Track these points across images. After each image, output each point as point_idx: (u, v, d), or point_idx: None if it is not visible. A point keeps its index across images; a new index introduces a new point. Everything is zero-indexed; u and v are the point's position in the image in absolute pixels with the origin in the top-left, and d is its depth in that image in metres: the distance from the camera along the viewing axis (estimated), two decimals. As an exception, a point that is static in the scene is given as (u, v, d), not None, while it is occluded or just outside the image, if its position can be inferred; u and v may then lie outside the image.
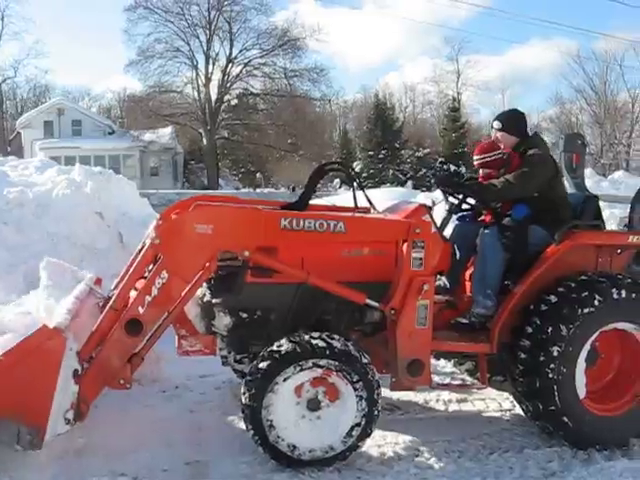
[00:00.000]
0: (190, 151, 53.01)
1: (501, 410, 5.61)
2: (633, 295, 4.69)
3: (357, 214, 5.20)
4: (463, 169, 45.62)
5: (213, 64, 49.84)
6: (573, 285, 4.70)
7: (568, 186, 5.67)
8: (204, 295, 4.78)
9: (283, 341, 4.30)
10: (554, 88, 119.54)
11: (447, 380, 6.03)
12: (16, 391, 3.77)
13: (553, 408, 4.58)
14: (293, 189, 42.59)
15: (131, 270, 4.49)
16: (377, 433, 4.73)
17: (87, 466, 4.35)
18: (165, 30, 47.86)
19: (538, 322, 4.64)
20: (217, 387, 6.00)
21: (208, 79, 49.50)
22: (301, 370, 4.26)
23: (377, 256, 4.71)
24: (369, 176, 47.96)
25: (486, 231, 5.09)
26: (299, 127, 49.57)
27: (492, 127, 5.57)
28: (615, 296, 4.64)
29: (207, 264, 4.33)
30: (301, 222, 4.47)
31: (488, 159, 5.39)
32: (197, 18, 47.93)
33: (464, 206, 5.34)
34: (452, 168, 5.33)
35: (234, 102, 51.08)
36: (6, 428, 3.81)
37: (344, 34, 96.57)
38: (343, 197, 17.97)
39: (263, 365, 4.25)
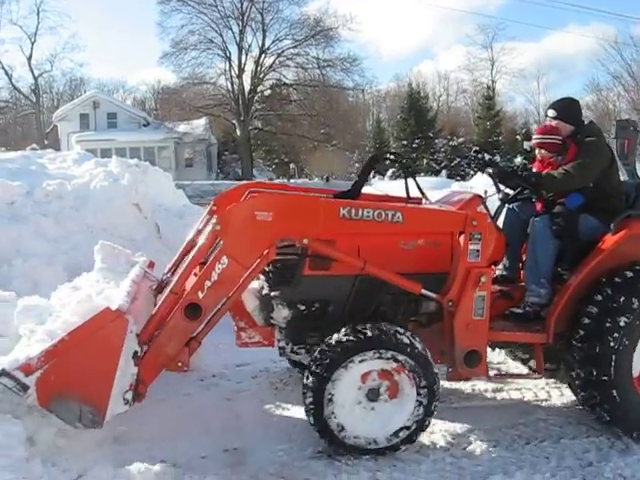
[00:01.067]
0: (224, 142, 53.31)
1: (537, 400, 5.58)
2: None
3: (411, 204, 5.22)
4: (498, 157, 45.39)
5: (246, 55, 49.98)
6: (630, 275, 4.69)
7: (620, 174, 5.55)
8: (262, 288, 4.88)
9: (368, 326, 4.39)
10: (591, 75, 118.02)
11: (495, 370, 5.85)
12: (79, 371, 3.90)
13: (606, 379, 4.57)
14: (327, 179, 42.65)
15: (190, 255, 4.52)
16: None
17: (126, 453, 4.43)
18: (198, 22, 48.05)
19: (595, 312, 4.64)
20: (254, 376, 6.07)
21: (241, 70, 49.63)
22: (379, 358, 4.35)
23: (433, 247, 4.73)
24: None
25: (537, 219, 5.11)
26: (332, 117, 49.45)
27: (546, 115, 5.58)
28: None
29: (266, 251, 4.35)
30: (360, 211, 4.47)
31: (547, 141, 5.36)
32: (230, 9, 48.05)
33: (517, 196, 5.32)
34: (487, 157, 5.37)
35: (267, 93, 51.20)
36: (68, 407, 3.91)
37: (377, 22, 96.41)
38: (391, 185, 17.89)
39: (345, 340, 4.33)
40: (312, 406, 4.36)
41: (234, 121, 49.74)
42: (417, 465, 4.37)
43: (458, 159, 48.91)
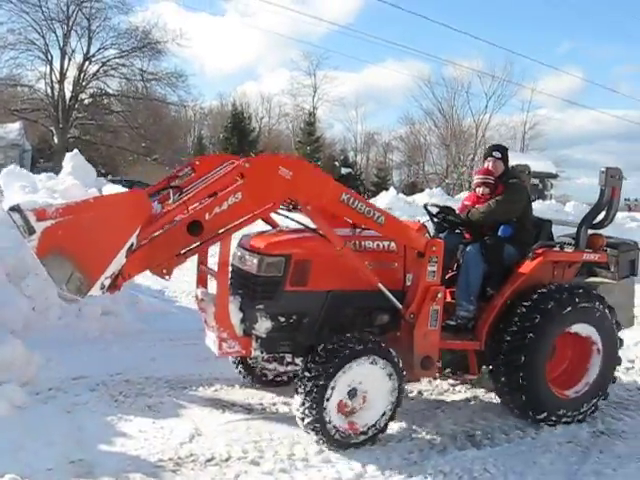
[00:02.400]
0: (39, 149, 50.77)
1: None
2: (588, 303, 5.84)
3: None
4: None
5: (69, 60, 48.05)
6: (535, 297, 5.75)
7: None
8: (244, 302, 5.23)
9: (363, 336, 5.20)
10: (405, 109, 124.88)
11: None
12: (88, 237, 4.02)
13: (525, 383, 5.63)
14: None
15: (211, 181, 4.82)
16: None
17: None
18: (20, 21, 45.28)
19: (513, 329, 5.69)
20: (92, 389, 6.07)
21: (63, 76, 47.62)
22: (372, 363, 5.09)
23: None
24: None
25: (470, 247, 6.09)
26: (154, 131, 48.86)
27: (490, 155, 6.53)
28: (575, 304, 5.75)
29: (272, 203, 4.97)
30: (356, 202, 5.12)
31: (489, 181, 6.40)
32: (54, 11, 45.89)
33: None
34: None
35: (88, 101, 49.55)
36: (62, 266, 3.95)
37: (204, 39, 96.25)
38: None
39: (343, 347, 4.99)
40: (312, 407, 4.90)
41: (52, 128, 47.59)
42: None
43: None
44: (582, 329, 5.94)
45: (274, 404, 6.00)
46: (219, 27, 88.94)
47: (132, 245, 4.26)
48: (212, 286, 5.51)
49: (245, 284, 5.30)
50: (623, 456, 5.42)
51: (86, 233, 4.02)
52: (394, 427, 5.53)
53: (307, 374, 4.97)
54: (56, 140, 47.04)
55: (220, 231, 4.79)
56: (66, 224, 3.94)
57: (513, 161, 6.76)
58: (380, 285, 5.28)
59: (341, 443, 5.05)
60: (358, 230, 5.63)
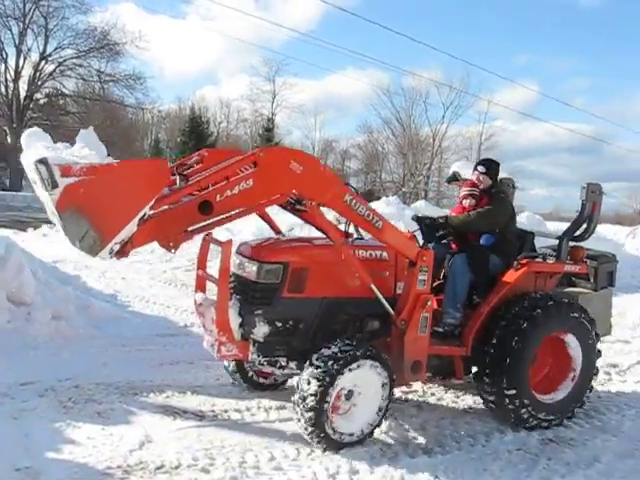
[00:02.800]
0: (-9, 149, 49.95)
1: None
2: (571, 312, 6.17)
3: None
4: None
5: (24, 59, 47.45)
6: (523, 305, 6.03)
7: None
8: (242, 308, 5.38)
9: (358, 342, 5.37)
10: (364, 117, 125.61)
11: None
12: (108, 199, 4.23)
13: (508, 387, 5.87)
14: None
15: (225, 165, 5.07)
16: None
17: None
18: (-27, 17, 44.93)
19: (500, 335, 5.93)
20: (41, 395, 5.96)
21: (18, 74, 47.02)
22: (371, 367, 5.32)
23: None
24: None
25: (457, 257, 6.35)
26: (111, 133, 48.20)
27: (476, 169, 6.80)
28: (559, 313, 6.08)
29: (280, 195, 5.19)
30: (358, 205, 5.39)
31: (474, 193, 6.66)
32: (10, 8, 45.27)
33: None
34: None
35: (43, 101, 48.89)
36: (78, 223, 4.16)
37: (164, 42, 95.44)
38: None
39: (343, 352, 5.17)
40: (313, 408, 5.06)
41: (5, 127, 46.85)
42: None
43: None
44: (564, 337, 6.22)
45: (226, 411, 5.96)
46: (179, 30, 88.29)
47: (144, 215, 4.48)
48: (210, 291, 5.67)
49: (244, 290, 5.47)
50: (572, 463, 5.52)
51: (105, 195, 4.22)
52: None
53: (309, 377, 5.12)
54: (9, 140, 46.20)
55: (224, 215, 4.97)
56: (88, 183, 4.15)
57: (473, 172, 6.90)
58: (374, 287, 5.48)
59: (337, 444, 5.22)
60: (350, 240, 5.93)
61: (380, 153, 65.20)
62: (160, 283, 11.99)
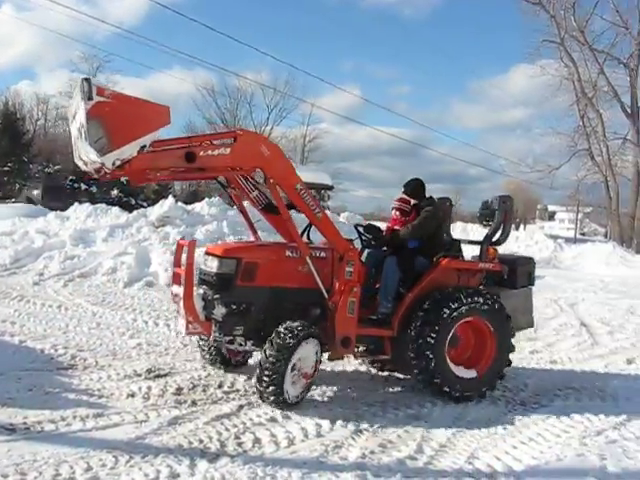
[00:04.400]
0: None
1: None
2: (481, 300, 7.23)
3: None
4: (94, 188, 45.17)
5: None
6: (437, 297, 7.19)
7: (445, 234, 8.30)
8: (206, 293, 6.71)
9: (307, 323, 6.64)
10: (189, 117, 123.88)
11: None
12: (122, 120, 5.65)
13: (430, 363, 6.99)
14: None
15: (212, 132, 7.00)
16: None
17: None
18: None
19: (421, 321, 7.06)
20: None
21: None
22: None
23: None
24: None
25: (388, 258, 7.53)
26: None
27: (402, 189, 8.07)
28: (469, 301, 7.15)
29: (245, 168, 6.71)
30: (305, 194, 6.75)
31: (402, 207, 7.93)
32: None
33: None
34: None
35: None
36: (97, 129, 5.56)
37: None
38: None
39: (298, 331, 6.43)
40: (273, 378, 6.26)
41: None
42: None
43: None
44: (476, 320, 7.31)
45: (39, 422, 5.72)
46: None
47: (145, 146, 5.83)
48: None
49: (207, 280, 6.85)
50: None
51: (120, 116, 5.63)
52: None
53: (271, 352, 6.30)
54: None
55: (199, 165, 6.25)
56: (112, 104, 5.60)
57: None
58: (317, 278, 6.84)
59: (290, 405, 6.42)
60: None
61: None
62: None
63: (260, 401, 6.57)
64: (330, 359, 7.26)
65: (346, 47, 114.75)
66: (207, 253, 7.04)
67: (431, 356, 6.96)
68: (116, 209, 20.86)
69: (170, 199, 20.57)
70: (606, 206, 50.16)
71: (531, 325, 8.32)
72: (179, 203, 21.12)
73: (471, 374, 7.27)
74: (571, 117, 49.86)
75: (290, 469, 5.07)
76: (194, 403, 6.60)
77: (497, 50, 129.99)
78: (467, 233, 34.58)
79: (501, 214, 7.71)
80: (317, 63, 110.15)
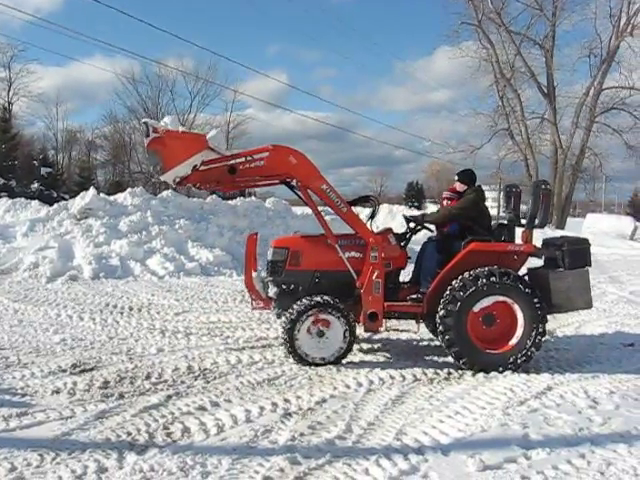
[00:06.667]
0: None
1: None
2: (504, 279, 7.67)
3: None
4: (14, 183, 43.84)
5: None
6: (468, 275, 7.70)
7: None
8: (264, 275, 8.41)
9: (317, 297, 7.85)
10: (110, 106, 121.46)
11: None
12: (170, 150, 7.45)
13: (455, 333, 7.68)
14: None
15: (250, 149, 8.08)
16: None
17: None
18: None
19: (449, 296, 7.68)
20: None
21: None
22: (322, 312, 7.82)
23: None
24: None
25: (428, 242, 8.64)
26: None
27: (455, 177, 8.99)
28: (490, 282, 7.66)
29: (277, 175, 8.04)
30: (330, 192, 7.88)
31: (450, 196, 9.08)
32: None
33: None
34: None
35: None
36: (155, 158, 7.64)
37: None
38: None
39: (305, 304, 7.80)
40: (286, 339, 7.78)
41: None
42: None
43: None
44: (501, 301, 7.75)
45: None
46: None
47: (196, 165, 7.49)
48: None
49: (268, 267, 8.27)
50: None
51: (169, 147, 7.42)
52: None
53: (284, 321, 7.83)
54: None
55: (238, 177, 7.76)
56: (162, 139, 7.43)
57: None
58: (347, 262, 7.95)
59: (310, 363, 7.76)
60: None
61: (127, 143, 63.81)
62: None
63: (188, 390, 6.54)
64: (365, 331, 8.34)
65: (271, 32, 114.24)
66: (270, 246, 8.42)
67: (455, 332, 7.63)
68: (36, 203, 20.36)
69: (92, 190, 20.01)
70: (526, 184, 51.44)
71: (589, 305, 8.28)
72: (101, 194, 20.60)
73: (494, 349, 7.80)
74: (491, 98, 51.17)
75: (220, 456, 5.07)
76: (121, 396, 6.52)
77: (422, 33, 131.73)
78: (393, 215, 34.86)
79: (537, 198, 8.04)
80: (243, 49, 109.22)
